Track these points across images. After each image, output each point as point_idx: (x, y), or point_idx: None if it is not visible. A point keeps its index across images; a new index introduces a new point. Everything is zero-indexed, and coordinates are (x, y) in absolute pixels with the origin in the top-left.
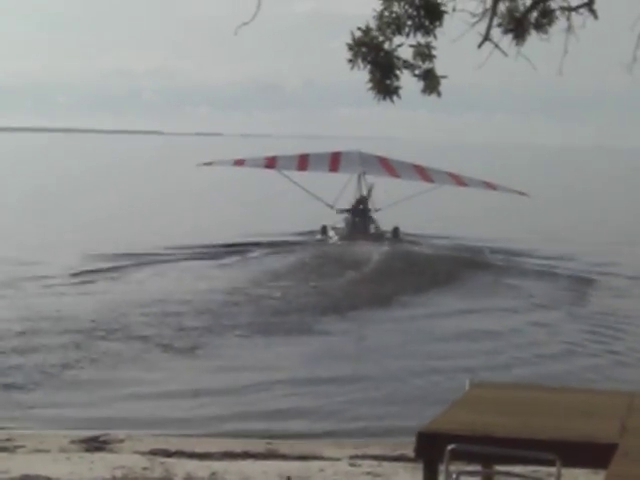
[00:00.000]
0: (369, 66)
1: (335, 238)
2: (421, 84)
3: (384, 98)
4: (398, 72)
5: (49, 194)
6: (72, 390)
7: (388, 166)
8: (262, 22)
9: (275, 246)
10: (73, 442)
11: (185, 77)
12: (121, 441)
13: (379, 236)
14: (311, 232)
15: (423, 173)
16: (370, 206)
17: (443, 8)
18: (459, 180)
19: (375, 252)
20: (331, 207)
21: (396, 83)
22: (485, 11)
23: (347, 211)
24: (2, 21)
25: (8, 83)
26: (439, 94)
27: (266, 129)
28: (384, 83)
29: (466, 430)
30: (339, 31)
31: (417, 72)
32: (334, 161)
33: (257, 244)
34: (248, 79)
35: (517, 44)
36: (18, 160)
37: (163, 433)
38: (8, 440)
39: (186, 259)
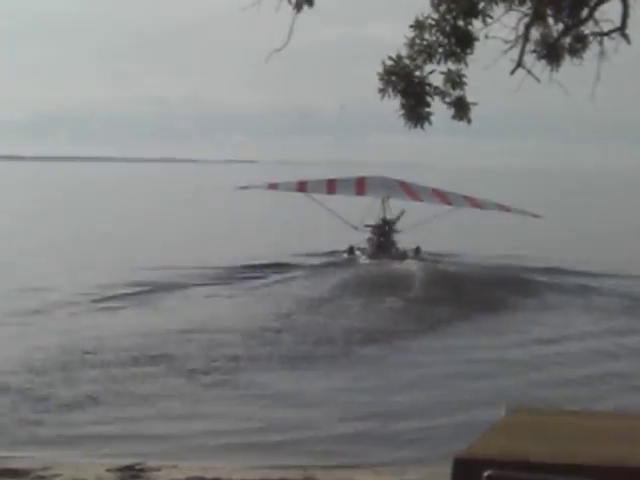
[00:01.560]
0: (400, 94)
1: (363, 257)
2: (452, 110)
3: (415, 126)
4: (429, 99)
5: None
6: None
7: (409, 190)
8: (293, 49)
9: (308, 268)
10: (109, 470)
11: (218, 104)
12: (157, 469)
13: (403, 255)
14: (333, 252)
15: (442, 196)
16: (395, 227)
17: (474, 35)
18: (475, 203)
19: (417, 271)
20: (356, 228)
21: (427, 110)
22: (517, 38)
23: (375, 228)
24: (36, 51)
25: (43, 111)
26: (469, 121)
27: (299, 156)
28: (415, 111)
29: (502, 456)
30: (369, 56)
31: (448, 99)
32: (360, 185)
33: (287, 265)
34: (281, 106)
35: (552, 69)
36: (54, 189)
37: (199, 462)
38: (45, 469)
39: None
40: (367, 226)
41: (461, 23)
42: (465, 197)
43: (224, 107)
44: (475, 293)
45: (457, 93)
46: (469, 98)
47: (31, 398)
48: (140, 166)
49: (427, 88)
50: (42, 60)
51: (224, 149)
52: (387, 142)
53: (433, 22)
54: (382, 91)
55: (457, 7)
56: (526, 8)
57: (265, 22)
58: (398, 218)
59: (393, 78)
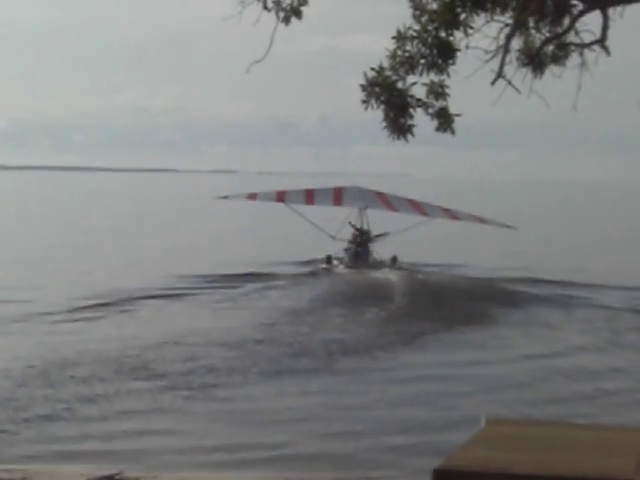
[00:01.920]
0: (383, 106)
1: (341, 267)
2: (435, 122)
3: (398, 137)
4: (412, 111)
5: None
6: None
7: (385, 200)
8: (275, 59)
9: (288, 277)
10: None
11: (201, 114)
12: (136, 479)
13: (380, 264)
14: (310, 261)
15: (417, 207)
16: (372, 237)
17: (456, 46)
18: (451, 214)
19: (398, 281)
20: (333, 238)
21: (410, 122)
22: (498, 48)
23: (352, 237)
24: (14, 59)
25: (23, 119)
26: (453, 132)
27: (282, 167)
28: (398, 122)
29: (482, 467)
30: (352, 68)
31: (431, 111)
32: (337, 196)
33: (266, 275)
34: (264, 116)
35: (534, 77)
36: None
37: (177, 472)
38: (23, 478)
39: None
40: (353, 226)
41: (443, 34)
42: (442, 208)
43: (207, 117)
44: (457, 304)
45: (440, 104)
46: (451, 109)
47: (10, 408)
48: (122, 175)
49: (409, 99)
50: (21, 69)
51: (207, 159)
52: (369, 153)
53: (415, 33)
54: (365, 102)
55: (439, 18)
56: (507, 17)
57: (248, 33)
58: (381, 235)
59: (376, 89)
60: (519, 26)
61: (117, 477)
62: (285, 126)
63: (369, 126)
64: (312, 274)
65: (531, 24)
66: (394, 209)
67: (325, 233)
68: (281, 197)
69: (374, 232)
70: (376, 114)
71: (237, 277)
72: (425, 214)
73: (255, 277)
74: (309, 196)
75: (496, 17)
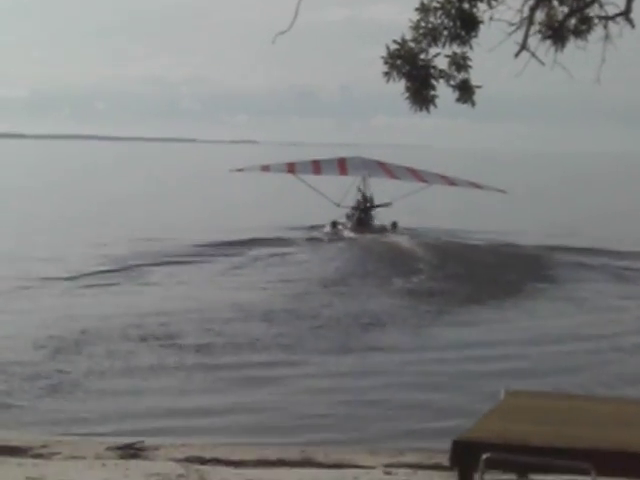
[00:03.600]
0: (405, 78)
1: (346, 231)
2: (456, 93)
3: (421, 109)
4: (434, 82)
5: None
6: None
7: (386, 169)
8: (297, 29)
9: (302, 242)
10: (109, 449)
11: (222, 84)
12: (156, 448)
13: (382, 229)
14: (315, 227)
15: (417, 174)
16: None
17: (479, 18)
18: (448, 180)
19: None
20: (338, 205)
21: (432, 93)
22: (522, 20)
23: (356, 203)
24: (33, 27)
25: (42, 88)
26: (473, 104)
27: (303, 137)
28: (421, 94)
29: (501, 439)
30: (374, 38)
31: (453, 82)
32: (342, 166)
33: (278, 240)
34: (284, 86)
35: (556, 51)
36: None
37: (198, 441)
38: (43, 447)
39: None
40: (362, 194)
41: (466, 6)
42: (440, 175)
43: (227, 87)
44: (488, 275)
45: (462, 76)
46: (473, 81)
47: (29, 378)
48: (142, 145)
49: (432, 71)
50: (40, 37)
51: (227, 129)
52: (390, 124)
53: (438, 5)
54: (387, 74)
55: None
56: None
57: (270, 2)
58: (383, 205)
59: (398, 62)
60: None
61: (137, 446)
62: (306, 96)
63: (390, 97)
64: (326, 239)
65: None
66: (395, 177)
67: (330, 201)
68: (291, 168)
69: (377, 201)
70: (397, 85)
71: (248, 243)
72: (424, 181)
73: (268, 242)
74: (316, 167)
75: None
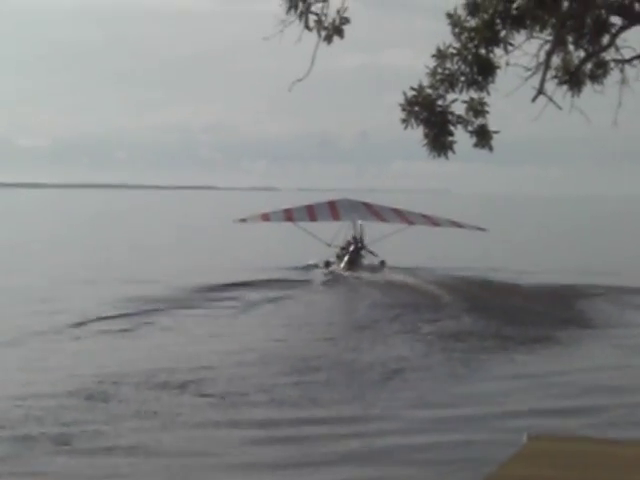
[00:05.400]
0: (422, 124)
1: (340, 269)
2: (474, 138)
3: (439, 155)
4: (452, 128)
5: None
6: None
7: (373, 211)
8: (313, 76)
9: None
10: None
11: (241, 131)
12: None
13: (372, 267)
14: (307, 266)
15: (402, 215)
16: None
17: (496, 64)
18: (432, 220)
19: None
20: (329, 245)
21: (450, 139)
22: (538, 65)
23: (347, 244)
24: (53, 77)
25: (63, 137)
26: (491, 148)
27: (322, 183)
28: (439, 140)
29: None
30: (391, 84)
31: (470, 128)
32: (333, 210)
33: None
34: (303, 133)
35: (573, 95)
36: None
37: None
38: None
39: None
40: (353, 238)
41: (483, 51)
42: (424, 216)
43: (247, 135)
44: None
45: (479, 121)
46: (491, 126)
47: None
48: (162, 193)
49: (450, 117)
50: (60, 87)
51: (247, 176)
52: (408, 169)
53: (455, 51)
54: (405, 121)
55: (478, 36)
56: (547, 34)
57: (286, 50)
58: (373, 253)
59: (416, 108)
60: (559, 43)
61: None
62: (325, 143)
63: (407, 142)
64: (329, 277)
65: (570, 40)
66: (381, 219)
67: (321, 241)
68: (289, 216)
69: (366, 240)
70: (415, 130)
71: (244, 285)
72: (409, 222)
73: (269, 283)
74: (311, 212)
75: (535, 34)
